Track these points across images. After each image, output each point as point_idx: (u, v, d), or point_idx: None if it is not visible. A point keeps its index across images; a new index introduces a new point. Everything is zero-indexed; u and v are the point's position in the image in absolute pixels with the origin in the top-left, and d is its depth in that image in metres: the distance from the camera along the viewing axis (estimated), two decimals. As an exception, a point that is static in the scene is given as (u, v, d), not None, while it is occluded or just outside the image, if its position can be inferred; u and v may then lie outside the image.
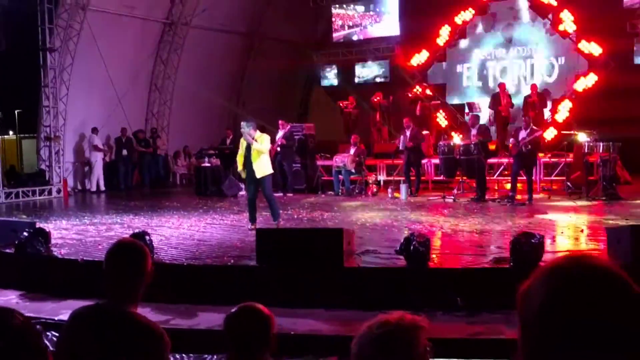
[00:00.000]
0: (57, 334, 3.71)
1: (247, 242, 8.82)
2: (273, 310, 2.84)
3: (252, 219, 10.29)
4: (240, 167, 10.27)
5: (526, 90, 17.65)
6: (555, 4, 17.67)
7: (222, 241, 9.33)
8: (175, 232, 10.24)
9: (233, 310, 2.73)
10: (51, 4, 16.69)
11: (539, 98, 16.87)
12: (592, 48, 16.90)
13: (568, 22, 17.34)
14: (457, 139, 16.02)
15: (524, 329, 1.12)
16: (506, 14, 19.32)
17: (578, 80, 17.19)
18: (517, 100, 17.66)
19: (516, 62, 19.11)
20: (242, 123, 10.13)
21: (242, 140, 10.10)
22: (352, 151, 15.61)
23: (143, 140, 19.35)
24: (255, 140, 9.82)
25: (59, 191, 17.09)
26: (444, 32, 19.47)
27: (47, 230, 8.82)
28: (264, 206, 10.62)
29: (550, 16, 18.07)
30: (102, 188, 18.22)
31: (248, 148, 9.91)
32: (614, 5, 17.11)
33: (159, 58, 20.51)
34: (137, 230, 8.88)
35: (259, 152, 9.88)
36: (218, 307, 6.29)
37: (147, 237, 7.85)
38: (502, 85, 17.60)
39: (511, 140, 13.35)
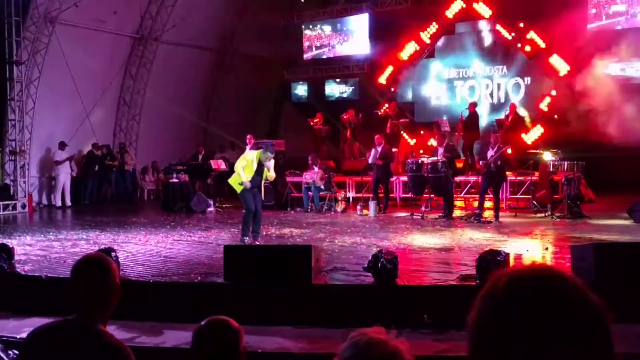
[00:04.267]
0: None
1: (215, 258, 8.77)
2: (240, 328, 2.81)
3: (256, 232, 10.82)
4: (245, 179, 10.42)
5: (494, 109, 17.91)
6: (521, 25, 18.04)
7: (189, 258, 9.26)
8: (142, 249, 10.14)
9: (202, 323, 2.67)
10: (19, 16, 16.48)
11: (515, 117, 17.01)
12: (560, 64, 17.29)
13: (537, 40, 17.72)
14: (424, 157, 16.15)
15: (475, 331, 1.14)
16: (474, 34, 19.64)
17: (543, 101, 17.47)
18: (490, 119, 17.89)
19: (484, 81, 19.40)
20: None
21: (250, 157, 10.55)
22: (315, 169, 15.69)
23: (108, 155, 19.17)
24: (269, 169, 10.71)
25: (23, 206, 16.79)
26: (410, 48, 19.83)
27: (11, 246, 8.64)
28: (238, 222, 10.71)
29: (517, 36, 18.39)
30: (68, 203, 17.96)
31: (260, 167, 10.50)
32: (579, 28, 17.47)
33: (128, 73, 20.38)
34: (103, 247, 8.77)
35: (268, 174, 10.72)
36: (185, 324, 6.22)
37: (114, 254, 7.75)
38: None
39: (481, 162, 13.52)
